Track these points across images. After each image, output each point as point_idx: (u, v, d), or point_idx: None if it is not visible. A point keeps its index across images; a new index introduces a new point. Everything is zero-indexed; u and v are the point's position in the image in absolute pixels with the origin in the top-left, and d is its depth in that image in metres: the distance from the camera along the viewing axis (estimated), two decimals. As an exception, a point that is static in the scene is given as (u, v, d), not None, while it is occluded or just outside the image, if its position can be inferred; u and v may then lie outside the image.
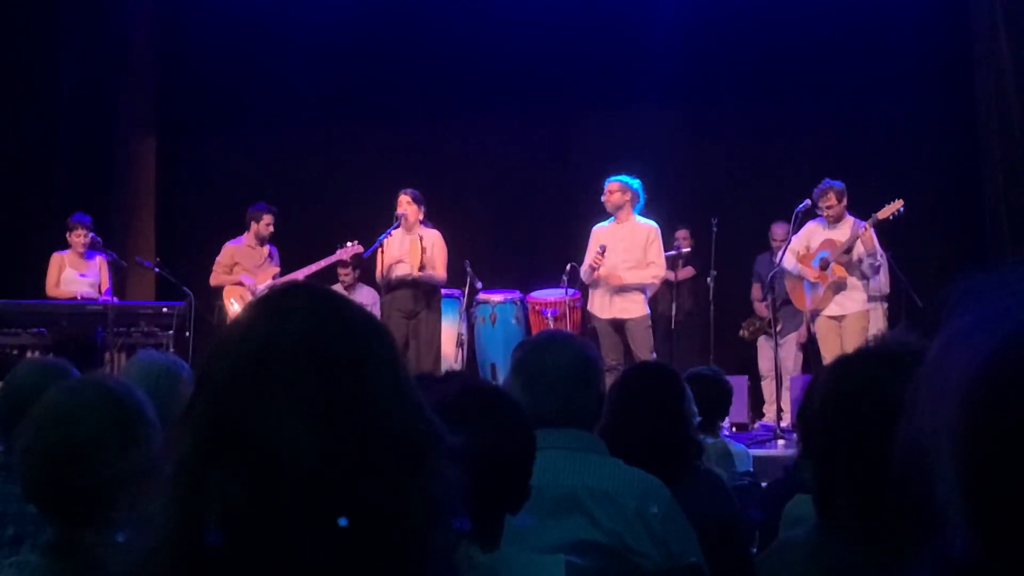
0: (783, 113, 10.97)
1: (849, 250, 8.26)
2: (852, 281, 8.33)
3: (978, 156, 9.74)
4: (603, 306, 8.53)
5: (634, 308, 8.43)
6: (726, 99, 10.97)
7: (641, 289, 8.48)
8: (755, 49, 10.68)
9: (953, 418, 0.79)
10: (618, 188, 8.53)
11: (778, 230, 9.79)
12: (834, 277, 8.30)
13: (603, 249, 8.42)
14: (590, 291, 8.67)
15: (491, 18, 10.92)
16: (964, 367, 0.79)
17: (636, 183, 8.56)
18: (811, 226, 8.57)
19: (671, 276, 9.20)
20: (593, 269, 8.44)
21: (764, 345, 9.77)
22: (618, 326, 8.47)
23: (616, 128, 10.91)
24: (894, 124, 10.49)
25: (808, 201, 8.42)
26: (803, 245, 8.55)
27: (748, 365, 9.83)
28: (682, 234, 9.82)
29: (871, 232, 8.16)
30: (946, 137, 10.33)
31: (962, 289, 0.89)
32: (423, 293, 8.90)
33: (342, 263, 9.85)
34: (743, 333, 9.88)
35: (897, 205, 8.14)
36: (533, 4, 10.85)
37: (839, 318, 8.32)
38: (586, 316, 9.17)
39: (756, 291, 9.98)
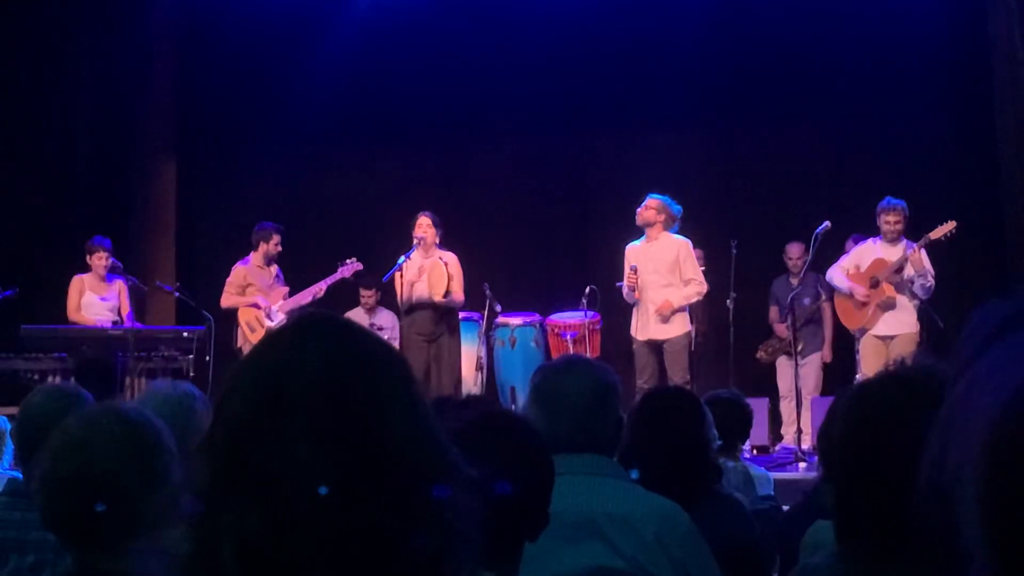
0: (802, 136, 10.96)
1: (899, 270, 8.22)
2: (902, 301, 8.26)
3: (998, 177, 9.69)
4: (641, 326, 8.49)
5: (672, 328, 8.40)
6: (745, 121, 10.96)
7: (683, 308, 8.46)
8: (774, 72, 10.67)
9: (976, 459, 0.77)
10: (655, 206, 8.48)
11: (793, 250, 9.75)
12: (883, 296, 8.25)
13: (635, 269, 8.42)
14: (633, 311, 8.60)
15: (509, 41, 10.94)
16: (987, 408, 0.77)
17: (677, 208, 8.52)
18: (864, 246, 8.53)
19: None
20: (632, 289, 8.43)
21: (784, 365, 9.70)
22: (655, 347, 8.44)
23: (635, 151, 10.92)
24: (914, 146, 10.46)
25: (827, 223, 8.39)
26: (853, 264, 8.51)
27: (768, 387, 9.77)
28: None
29: (921, 252, 8.12)
30: (966, 157, 10.30)
31: (986, 319, 0.88)
32: (443, 316, 8.91)
33: (364, 285, 9.86)
34: (761, 355, 9.81)
35: (950, 226, 8.08)
36: (551, 27, 10.86)
37: (887, 339, 8.24)
38: (606, 338, 9.14)
39: (774, 313, 9.93)
